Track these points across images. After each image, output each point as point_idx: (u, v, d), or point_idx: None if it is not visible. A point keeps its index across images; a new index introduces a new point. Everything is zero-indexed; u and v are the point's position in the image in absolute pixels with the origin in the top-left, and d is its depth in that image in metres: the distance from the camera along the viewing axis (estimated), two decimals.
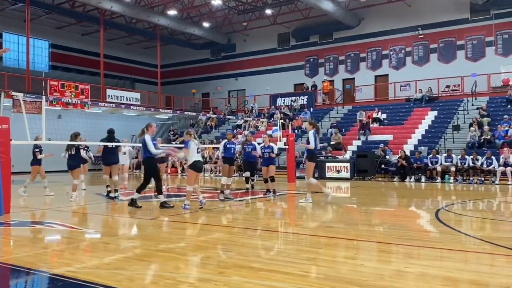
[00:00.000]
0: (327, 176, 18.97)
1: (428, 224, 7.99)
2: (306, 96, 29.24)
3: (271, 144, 12.73)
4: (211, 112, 30.06)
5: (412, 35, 27.39)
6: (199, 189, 9.63)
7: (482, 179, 16.69)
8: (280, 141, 18.86)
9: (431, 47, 26.99)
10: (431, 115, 23.08)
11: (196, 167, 9.27)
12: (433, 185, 16.07)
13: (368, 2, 26.99)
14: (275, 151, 12.57)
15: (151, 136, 9.60)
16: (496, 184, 15.92)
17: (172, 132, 29.24)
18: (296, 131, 24.44)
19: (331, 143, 21.85)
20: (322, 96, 29.25)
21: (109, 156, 11.82)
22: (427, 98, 24.57)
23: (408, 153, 18.80)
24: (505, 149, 16.79)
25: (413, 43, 27.53)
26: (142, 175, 9.99)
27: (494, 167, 16.52)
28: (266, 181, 12.23)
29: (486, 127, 19.31)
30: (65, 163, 11.50)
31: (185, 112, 25.66)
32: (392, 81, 27.62)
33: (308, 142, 10.33)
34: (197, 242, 6.14)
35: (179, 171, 23.76)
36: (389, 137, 21.87)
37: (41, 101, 11.00)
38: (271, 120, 25.37)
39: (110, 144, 11.75)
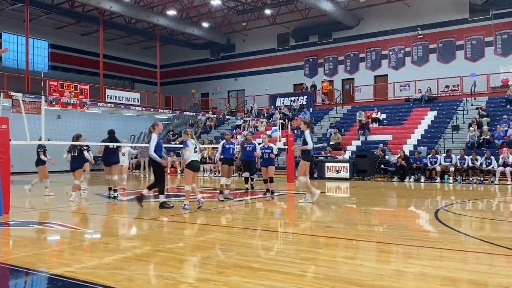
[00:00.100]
0: (326, 176, 18.96)
1: (428, 224, 8.00)
2: (306, 96, 29.23)
3: (271, 144, 12.70)
4: (210, 112, 30.06)
5: (412, 35, 27.40)
6: (197, 189, 9.63)
7: (482, 179, 16.70)
8: (279, 141, 18.87)
9: (431, 47, 27.01)
10: (431, 115, 23.09)
11: (193, 166, 9.28)
12: (432, 185, 16.08)
13: (368, 2, 27.00)
14: (275, 151, 12.53)
15: (157, 134, 9.62)
16: (495, 184, 15.92)
17: (171, 132, 29.23)
18: (295, 131, 24.44)
19: (331, 143, 21.85)
20: (322, 96, 29.27)
21: (109, 157, 11.86)
22: (426, 98, 24.58)
23: (407, 153, 18.80)
24: (504, 149, 16.80)
25: (413, 43, 27.55)
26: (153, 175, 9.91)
27: (493, 167, 16.53)
28: (265, 181, 12.19)
29: (485, 127, 19.32)
30: (65, 163, 11.51)
31: (185, 112, 25.63)
32: (392, 81, 27.63)
33: (305, 143, 10.31)
34: (197, 242, 6.14)
35: (179, 171, 23.76)
36: (388, 137, 21.88)
37: (40, 101, 10.99)
38: (270, 120, 25.37)
39: (111, 145, 11.79)
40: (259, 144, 13.17)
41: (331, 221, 8.32)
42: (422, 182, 17.29)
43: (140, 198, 9.49)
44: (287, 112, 27.46)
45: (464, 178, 17.03)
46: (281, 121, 22.03)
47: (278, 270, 4.53)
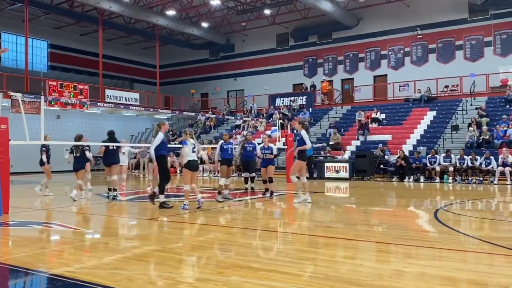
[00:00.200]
0: (326, 176, 18.96)
1: (427, 224, 8.00)
2: (305, 96, 29.24)
3: (271, 145, 12.67)
4: (210, 112, 30.05)
5: (411, 35, 27.41)
6: (197, 189, 9.63)
7: (481, 179, 16.71)
8: (279, 141, 18.86)
9: (430, 47, 27.02)
10: (430, 115, 23.11)
11: (191, 166, 9.29)
12: (431, 185, 16.09)
13: (367, 2, 27.01)
14: (274, 152, 12.52)
15: (164, 133, 9.69)
16: (495, 184, 15.93)
17: (171, 132, 29.22)
18: (295, 131, 24.43)
19: (330, 143, 21.86)
20: (321, 96, 29.27)
21: (109, 157, 11.91)
22: (426, 98, 24.60)
23: (407, 153, 18.81)
24: (504, 149, 16.81)
25: (412, 43, 27.56)
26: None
27: (492, 167, 16.54)
28: (265, 182, 12.17)
29: (484, 127, 19.32)
30: (65, 163, 11.52)
31: (184, 112, 25.64)
32: (391, 81, 27.64)
33: (302, 143, 10.29)
34: (196, 242, 6.14)
35: (178, 171, 23.75)
36: (388, 137, 21.89)
37: (39, 101, 10.99)
38: (270, 120, 25.37)
39: (111, 145, 11.84)
40: (258, 144, 13.17)
41: (331, 221, 8.33)
42: (421, 182, 17.30)
43: (152, 197, 9.69)
44: (286, 112, 27.46)
45: (463, 178, 17.04)
46: (281, 121, 22.02)
47: (277, 270, 4.53)
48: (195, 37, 33.79)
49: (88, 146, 12.00)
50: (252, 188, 12.93)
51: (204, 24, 31.87)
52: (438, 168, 17.27)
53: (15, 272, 4.74)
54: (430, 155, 17.83)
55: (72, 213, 9.53)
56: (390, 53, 28.35)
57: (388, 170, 18.74)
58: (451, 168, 17.08)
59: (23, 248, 5.71)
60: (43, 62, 32.43)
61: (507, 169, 16.07)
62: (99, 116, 26.19)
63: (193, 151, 9.34)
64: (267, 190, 11.97)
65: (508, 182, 15.83)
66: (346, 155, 20.21)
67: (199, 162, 10.06)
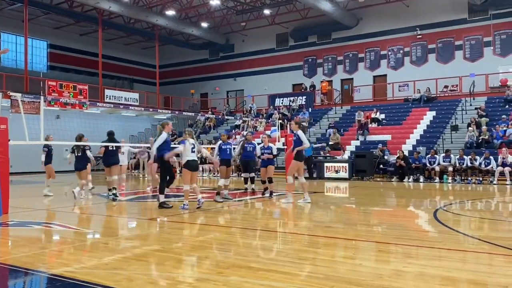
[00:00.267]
0: (325, 176, 18.96)
1: (427, 224, 8.00)
2: (305, 96, 29.26)
3: (270, 144, 12.66)
4: (209, 112, 30.04)
5: (410, 35, 27.43)
6: (198, 189, 9.63)
7: (480, 179, 16.72)
8: (278, 141, 18.86)
9: (429, 47, 27.03)
10: (430, 115, 23.12)
11: (191, 166, 9.28)
12: (431, 185, 16.10)
13: (366, 3, 27.02)
14: (274, 151, 12.50)
15: (167, 133, 9.76)
16: (494, 184, 15.94)
17: (170, 133, 29.21)
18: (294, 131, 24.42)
19: (330, 143, 21.86)
20: (321, 96, 29.28)
21: (109, 157, 11.91)
22: (425, 98, 24.61)
23: (406, 153, 18.82)
24: (503, 149, 16.82)
25: (411, 43, 27.57)
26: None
27: (492, 167, 16.54)
28: (264, 182, 12.17)
29: (484, 127, 19.33)
30: (65, 163, 11.53)
31: (184, 113, 25.64)
32: (391, 81, 27.65)
33: (299, 143, 10.30)
34: (196, 242, 6.14)
35: (178, 171, 23.75)
36: (387, 137, 21.90)
37: (39, 102, 10.99)
38: (269, 121, 25.37)
39: (111, 145, 11.85)
40: (258, 144, 13.16)
41: (330, 221, 8.33)
42: (421, 182, 17.30)
43: (161, 205, 9.61)
44: (286, 112, 27.46)
45: (463, 178, 17.05)
46: (280, 121, 22.03)
47: (277, 270, 4.54)
48: (195, 37, 33.80)
49: (88, 146, 12.03)
50: (253, 189, 12.90)
51: (204, 24, 31.88)
52: (437, 168, 17.28)
53: (14, 272, 4.74)
54: (429, 155, 17.84)
55: (71, 213, 9.53)
56: (389, 53, 28.36)
57: (388, 170, 18.76)
58: (450, 168, 17.08)
59: (22, 248, 5.71)
60: (43, 62, 32.42)
61: (507, 169, 16.08)
62: (98, 116, 26.19)
63: (193, 151, 9.34)
64: (266, 189, 11.97)
65: (508, 182, 15.84)
66: (346, 155, 20.21)
67: (199, 162, 10.07)
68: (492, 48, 25.04)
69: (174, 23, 30.38)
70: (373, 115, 23.94)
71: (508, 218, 8.91)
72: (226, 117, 29.54)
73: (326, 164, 19.27)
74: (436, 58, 26.84)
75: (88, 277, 4.35)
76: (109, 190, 11.81)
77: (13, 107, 11.55)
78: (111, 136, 12.05)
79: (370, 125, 23.17)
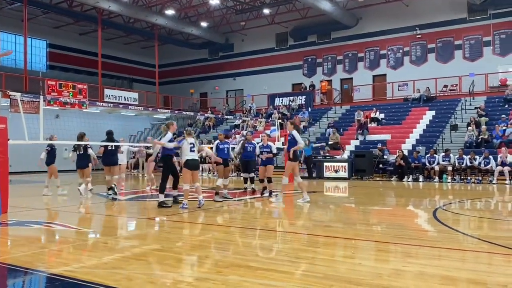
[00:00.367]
0: (325, 175, 18.97)
1: (426, 223, 8.01)
2: (304, 96, 29.27)
3: (270, 143, 12.64)
4: (209, 112, 30.04)
5: (410, 35, 27.42)
6: (200, 188, 9.64)
7: (480, 178, 16.72)
8: (278, 141, 18.86)
9: (429, 47, 27.03)
10: (429, 114, 23.12)
11: (190, 165, 9.27)
12: (430, 185, 16.11)
13: (366, 2, 27.02)
14: (274, 150, 12.48)
15: (172, 134, 9.84)
16: (494, 183, 15.95)
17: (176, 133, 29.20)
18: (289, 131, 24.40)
19: (329, 142, 21.87)
20: (320, 96, 29.28)
21: (109, 157, 11.92)
22: (425, 98, 24.61)
23: (406, 152, 18.82)
24: (503, 148, 16.83)
25: (411, 43, 27.57)
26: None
27: (491, 167, 16.55)
28: (261, 181, 12.17)
29: (483, 127, 19.34)
30: (64, 162, 11.55)
31: (183, 112, 25.64)
32: (390, 80, 27.64)
33: (294, 143, 10.30)
34: (195, 242, 6.14)
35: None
36: (387, 136, 21.91)
37: (38, 101, 10.99)
38: (269, 120, 25.38)
39: (110, 145, 11.86)
40: (258, 143, 13.15)
41: (330, 220, 8.33)
42: (420, 181, 17.31)
43: (160, 205, 9.63)
44: (285, 112, 27.47)
45: (462, 177, 17.06)
46: (280, 121, 22.03)
47: (276, 269, 4.54)
48: (194, 37, 33.79)
49: (89, 144, 12.07)
50: (253, 189, 12.89)
51: (203, 24, 31.86)
52: (437, 168, 17.28)
53: (14, 271, 4.73)
54: (429, 155, 17.84)
55: (71, 212, 9.52)
56: (389, 52, 28.36)
57: (387, 169, 18.76)
58: (450, 168, 17.09)
59: (22, 248, 5.71)
60: (42, 62, 32.40)
61: (506, 168, 16.09)
62: (98, 116, 26.19)
63: (192, 150, 9.33)
64: (264, 188, 11.97)
65: (507, 182, 15.85)
66: (345, 155, 20.22)
67: (199, 161, 10.09)
68: (491, 47, 25.03)
69: (174, 22, 30.37)
70: (372, 115, 23.96)
71: (507, 217, 8.92)
72: (225, 116, 29.52)
73: (325, 164, 19.27)
74: (436, 57, 26.84)
75: (88, 276, 4.34)
76: (108, 189, 11.82)
77: (13, 106, 11.55)
78: (110, 136, 12.07)
79: (369, 125, 23.18)
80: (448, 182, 16.77)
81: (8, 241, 6.47)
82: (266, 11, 28.71)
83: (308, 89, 29.85)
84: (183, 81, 37.11)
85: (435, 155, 17.69)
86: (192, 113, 23.48)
